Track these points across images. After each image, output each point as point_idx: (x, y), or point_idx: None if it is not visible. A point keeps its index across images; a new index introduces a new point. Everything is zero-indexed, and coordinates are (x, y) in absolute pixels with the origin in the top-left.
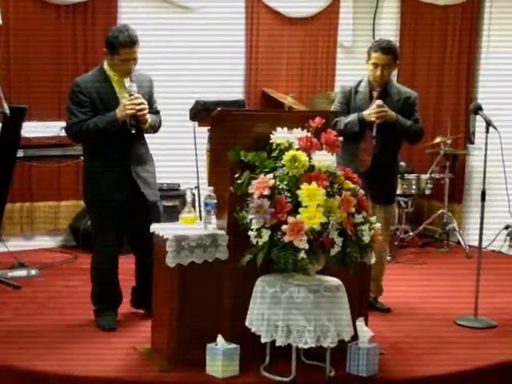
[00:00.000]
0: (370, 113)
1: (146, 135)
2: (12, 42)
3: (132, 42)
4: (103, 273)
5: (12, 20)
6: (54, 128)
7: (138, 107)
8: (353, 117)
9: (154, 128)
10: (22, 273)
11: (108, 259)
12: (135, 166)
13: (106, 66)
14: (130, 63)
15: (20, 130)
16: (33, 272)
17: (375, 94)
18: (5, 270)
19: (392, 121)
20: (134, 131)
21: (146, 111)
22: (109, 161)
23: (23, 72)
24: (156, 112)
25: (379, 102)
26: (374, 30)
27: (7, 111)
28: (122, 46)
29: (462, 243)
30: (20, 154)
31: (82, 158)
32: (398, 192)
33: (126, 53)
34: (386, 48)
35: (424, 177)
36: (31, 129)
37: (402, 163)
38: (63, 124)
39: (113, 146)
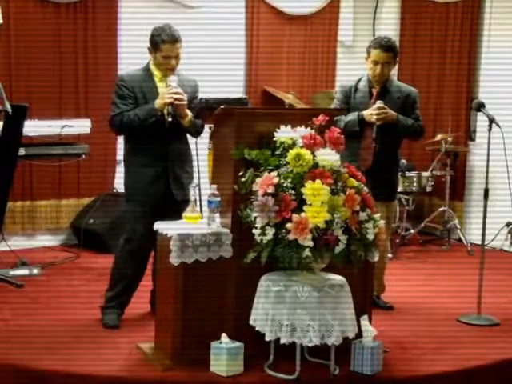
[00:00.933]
0: (371, 114)
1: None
2: (13, 40)
3: (173, 39)
4: (123, 272)
5: (12, 19)
6: (55, 126)
7: (175, 96)
8: (353, 116)
9: (196, 127)
10: (24, 272)
11: (135, 258)
12: (172, 163)
13: (150, 64)
14: (171, 60)
15: (22, 129)
16: (35, 271)
17: (375, 91)
18: (7, 268)
19: (393, 121)
20: (170, 119)
21: (185, 102)
22: (147, 156)
23: (24, 71)
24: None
25: (380, 103)
26: (374, 27)
27: (9, 110)
28: (164, 42)
29: (464, 241)
30: (21, 152)
31: (123, 152)
32: (399, 189)
33: (167, 49)
34: (385, 45)
35: (425, 174)
36: (32, 127)
37: (403, 161)
38: (64, 122)
39: (152, 142)
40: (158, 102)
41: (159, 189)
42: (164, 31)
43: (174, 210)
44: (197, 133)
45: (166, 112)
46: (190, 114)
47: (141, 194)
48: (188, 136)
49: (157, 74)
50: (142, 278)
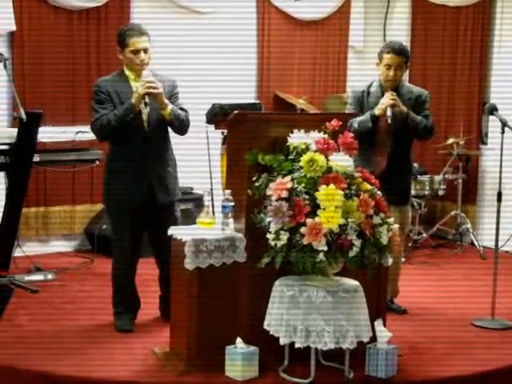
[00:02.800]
0: (382, 102)
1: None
2: (26, 47)
3: (139, 32)
4: (119, 276)
5: (26, 25)
6: (69, 133)
7: (149, 85)
8: (365, 115)
9: (179, 119)
10: (39, 277)
11: (124, 262)
12: (153, 166)
13: (124, 67)
14: (140, 54)
15: (36, 135)
16: (49, 276)
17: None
18: (22, 274)
19: (402, 114)
20: (148, 109)
21: (160, 90)
22: (128, 161)
23: (37, 77)
24: (180, 109)
25: (390, 93)
26: (384, 31)
27: (23, 116)
28: (130, 36)
29: (476, 244)
30: (36, 158)
31: (106, 160)
32: (412, 193)
33: (134, 42)
34: (398, 49)
35: (437, 178)
36: (46, 134)
37: (416, 164)
38: (78, 129)
39: (132, 146)
40: (133, 97)
41: (141, 192)
42: (129, 27)
43: (160, 214)
44: (181, 128)
45: (142, 105)
46: (170, 105)
47: (121, 200)
48: (168, 136)
49: (130, 74)
50: (134, 280)
